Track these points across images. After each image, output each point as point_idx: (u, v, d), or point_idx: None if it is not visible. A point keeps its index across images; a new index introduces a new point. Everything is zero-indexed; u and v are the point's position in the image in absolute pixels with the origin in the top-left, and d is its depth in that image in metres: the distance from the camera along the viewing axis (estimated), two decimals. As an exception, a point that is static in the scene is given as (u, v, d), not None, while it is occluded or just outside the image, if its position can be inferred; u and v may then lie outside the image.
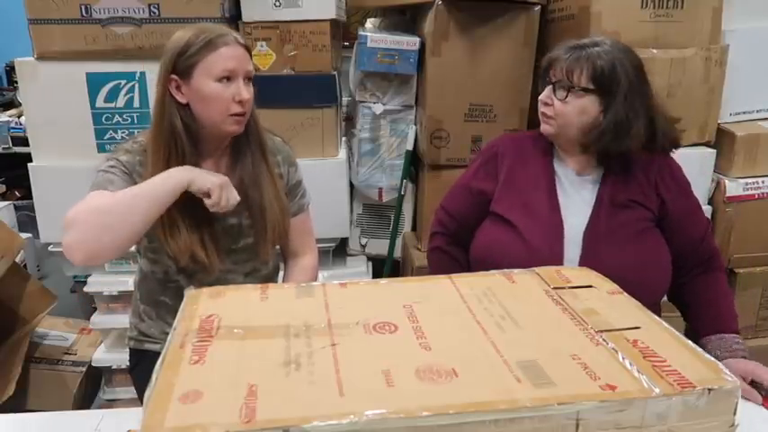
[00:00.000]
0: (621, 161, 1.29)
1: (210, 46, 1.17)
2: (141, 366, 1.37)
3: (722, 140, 2.04)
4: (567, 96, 1.24)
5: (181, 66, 1.17)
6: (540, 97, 1.30)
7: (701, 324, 1.27)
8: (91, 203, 1.08)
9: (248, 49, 1.23)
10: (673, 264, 1.29)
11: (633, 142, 1.23)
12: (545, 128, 1.30)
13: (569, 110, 1.24)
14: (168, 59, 1.18)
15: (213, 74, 1.17)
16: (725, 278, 1.35)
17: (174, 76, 1.18)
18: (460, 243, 1.44)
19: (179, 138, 1.19)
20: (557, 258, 1.24)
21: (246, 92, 1.20)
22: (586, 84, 1.23)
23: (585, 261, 1.20)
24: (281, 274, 1.48)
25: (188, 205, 1.18)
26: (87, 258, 1.06)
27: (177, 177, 1.12)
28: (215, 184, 1.14)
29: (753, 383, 1.11)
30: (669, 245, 1.29)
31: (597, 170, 1.31)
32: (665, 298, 1.36)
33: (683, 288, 1.33)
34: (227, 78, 1.18)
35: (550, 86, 1.27)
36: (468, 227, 1.41)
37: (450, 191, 1.48)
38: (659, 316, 0.89)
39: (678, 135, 1.33)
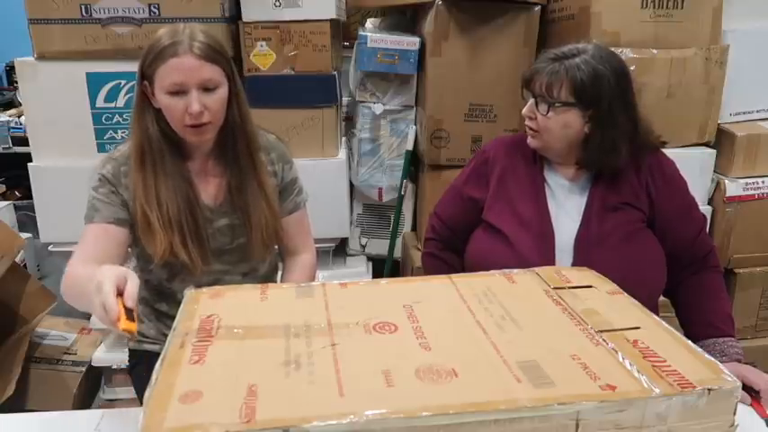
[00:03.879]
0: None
1: (160, 58, 1.13)
2: (141, 366, 1.37)
3: (722, 140, 2.04)
4: (548, 111, 1.23)
5: (146, 72, 1.16)
6: (522, 111, 1.29)
7: (693, 328, 1.26)
8: (67, 277, 1.11)
9: (207, 57, 1.13)
10: (667, 262, 1.29)
11: (620, 157, 1.23)
12: (531, 141, 1.30)
13: (552, 124, 1.23)
14: (139, 64, 1.18)
15: (164, 86, 1.14)
16: (721, 278, 1.34)
17: (144, 82, 1.18)
18: (454, 249, 1.44)
19: (153, 141, 1.19)
20: None
21: (198, 104, 1.12)
22: (566, 98, 1.21)
23: None
24: (279, 273, 1.48)
25: (164, 206, 1.18)
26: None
27: (86, 300, 0.97)
28: (100, 307, 0.88)
29: (744, 386, 1.11)
30: (662, 243, 1.29)
31: (588, 175, 1.31)
32: (665, 299, 1.36)
33: (678, 287, 1.32)
34: (178, 90, 1.13)
35: (532, 101, 1.26)
36: (461, 233, 1.41)
37: (444, 195, 1.48)
38: (657, 316, 0.89)
39: (659, 136, 1.33)
